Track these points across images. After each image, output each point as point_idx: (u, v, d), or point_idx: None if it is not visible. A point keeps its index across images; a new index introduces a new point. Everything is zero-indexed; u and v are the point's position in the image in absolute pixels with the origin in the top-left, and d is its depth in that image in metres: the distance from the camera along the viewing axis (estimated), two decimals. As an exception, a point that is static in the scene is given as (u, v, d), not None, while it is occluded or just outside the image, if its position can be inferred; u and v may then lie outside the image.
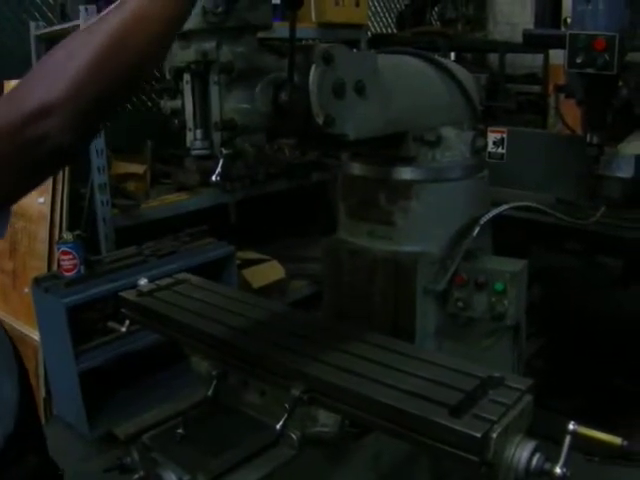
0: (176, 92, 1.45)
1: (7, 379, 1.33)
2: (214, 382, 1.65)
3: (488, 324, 1.86)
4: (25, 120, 1.01)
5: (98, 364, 3.12)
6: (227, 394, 1.67)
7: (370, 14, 5.98)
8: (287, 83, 1.43)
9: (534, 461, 1.20)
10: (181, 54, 1.39)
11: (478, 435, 1.16)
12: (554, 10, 2.61)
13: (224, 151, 1.39)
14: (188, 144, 1.43)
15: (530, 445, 1.22)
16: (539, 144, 3.19)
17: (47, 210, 3.39)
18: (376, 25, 6.54)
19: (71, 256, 3.07)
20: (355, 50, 1.80)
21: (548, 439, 1.28)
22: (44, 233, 3.41)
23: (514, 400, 1.28)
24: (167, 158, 4.22)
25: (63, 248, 3.07)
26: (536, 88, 6.51)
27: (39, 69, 1.09)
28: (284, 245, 4.76)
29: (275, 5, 1.51)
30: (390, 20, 6.66)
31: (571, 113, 3.11)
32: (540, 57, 6.28)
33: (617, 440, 1.22)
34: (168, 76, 1.44)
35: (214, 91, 1.38)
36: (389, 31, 6.58)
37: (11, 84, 3.22)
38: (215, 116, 1.39)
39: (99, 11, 3.01)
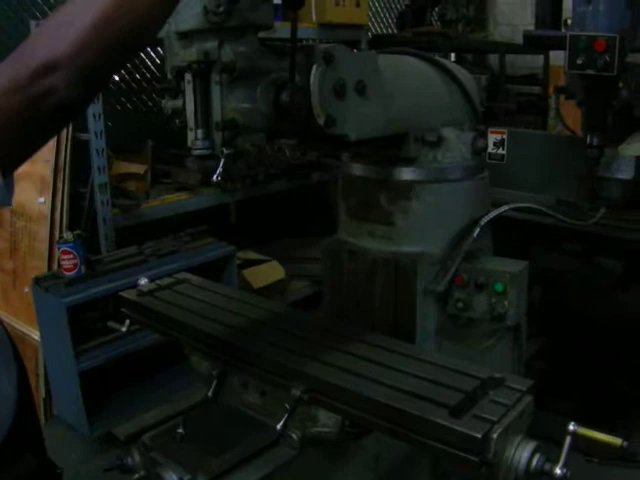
0: (177, 92, 1.45)
1: (6, 378, 1.33)
2: (214, 382, 1.65)
3: (488, 325, 1.86)
4: (32, 75, 1.03)
5: (98, 364, 3.12)
6: (227, 394, 1.67)
7: (370, 14, 5.98)
8: (288, 83, 1.43)
9: (534, 462, 1.20)
10: (183, 54, 1.39)
11: (478, 435, 1.16)
12: (555, 11, 2.61)
13: (225, 151, 1.39)
14: (189, 144, 1.43)
15: (530, 446, 1.22)
16: (539, 145, 3.20)
17: (47, 210, 3.39)
18: (376, 25, 6.54)
19: (71, 256, 3.07)
20: (355, 50, 1.81)
21: (548, 440, 1.28)
22: (44, 233, 3.41)
23: (514, 401, 1.28)
24: (167, 158, 4.21)
25: (63, 248, 3.07)
26: (536, 89, 6.51)
27: (46, 26, 1.10)
28: (284, 245, 4.76)
29: (276, 5, 1.51)
30: (390, 20, 6.66)
31: (571, 114, 3.11)
32: (540, 58, 6.28)
33: (617, 441, 1.23)
34: (169, 76, 1.44)
35: (215, 91, 1.38)
36: (389, 31, 6.58)
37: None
38: (216, 116, 1.39)
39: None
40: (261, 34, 1.47)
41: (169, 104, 1.49)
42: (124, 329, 1.92)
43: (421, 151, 1.86)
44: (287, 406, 1.40)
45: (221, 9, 1.32)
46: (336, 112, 1.52)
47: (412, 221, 1.86)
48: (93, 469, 2.94)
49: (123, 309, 1.94)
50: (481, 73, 5.81)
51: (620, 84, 2.58)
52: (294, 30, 1.42)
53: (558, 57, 3.47)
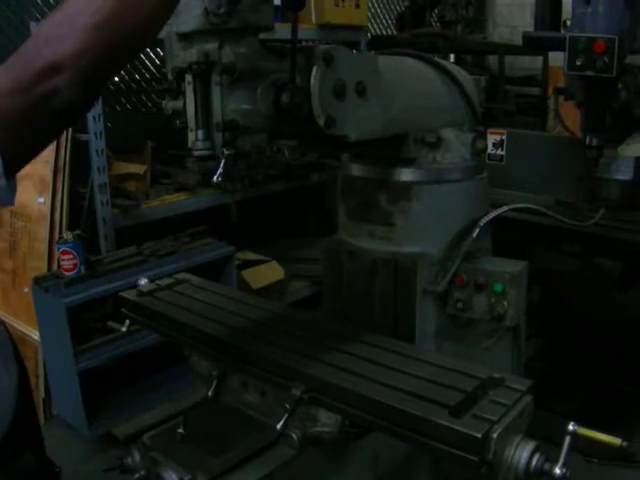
0: (178, 93, 1.46)
1: (6, 377, 1.34)
2: (214, 382, 1.65)
3: (488, 325, 1.87)
4: (36, 76, 1.03)
5: (98, 364, 3.12)
6: (227, 394, 1.67)
7: (370, 15, 5.99)
8: (288, 84, 1.44)
9: (534, 461, 1.21)
10: (183, 55, 1.39)
11: (478, 435, 1.16)
12: (554, 12, 2.61)
13: (226, 152, 1.39)
14: (190, 145, 1.43)
15: (530, 445, 1.22)
16: (538, 146, 3.20)
17: (47, 210, 3.39)
18: (376, 27, 6.54)
19: (71, 256, 3.07)
20: (355, 51, 1.81)
21: (547, 440, 1.28)
22: (44, 233, 3.41)
23: (514, 401, 1.28)
24: (167, 158, 4.22)
25: (63, 248, 3.07)
26: (535, 90, 6.52)
27: (48, 26, 1.10)
28: (283, 246, 4.77)
29: (275, 7, 1.51)
30: (390, 22, 6.66)
31: (570, 115, 3.12)
32: (539, 59, 6.29)
33: (617, 441, 1.23)
34: (170, 77, 1.44)
35: (216, 92, 1.39)
36: (389, 33, 6.59)
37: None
38: (217, 117, 1.39)
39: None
40: (261, 35, 1.48)
41: (170, 105, 1.49)
42: (124, 329, 1.93)
43: (421, 152, 1.87)
44: (287, 406, 1.40)
45: (222, 10, 1.32)
46: (336, 113, 1.52)
47: (412, 222, 1.86)
48: (93, 469, 2.94)
49: (123, 309, 1.94)
50: (480, 74, 5.80)
51: (619, 85, 2.59)
52: (294, 31, 1.42)
53: (557, 58, 3.48)
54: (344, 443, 1.57)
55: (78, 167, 3.45)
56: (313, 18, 4.30)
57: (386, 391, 1.33)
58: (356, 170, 1.96)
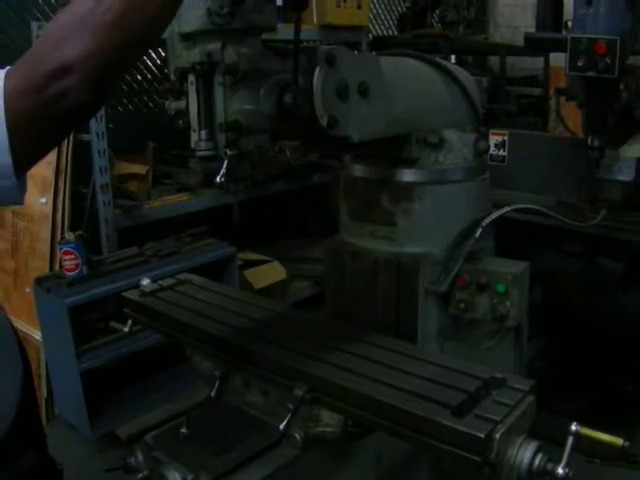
0: (181, 93, 1.46)
1: (11, 375, 1.34)
2: (217, 382, 1.65)
3: (490, 325, 1.87)
4: (47, 78, 1.04)
5: (100, 364, 3.12)
6: (230, 394, 1.68)
7: (371, 16, 5.98)
8: (291, 85, 1.44)
9: (536, 461, 1.21)
10: (186, 55, 1.39)
11: (481, 435, 1.17)
12: (555, 13, 2.61)
13: (228, 152, 1.40)
14: (193, 145, 1.43)
15: (532, 445, 1.22)
16: (540, 147, 3.20)
17: (49, 210, 3.39)
18: (377, 27, 6.55)
19: (73, 256, 3.07)
20: (356, 52, 1.81)
21: (550, 440, 1.28)
22: (46, 233, 3.41)
23: (517, 401, 1.28)
24: (170, 159, 4.22)
25: (65, 248, 3.07)
26: (537, 91, 6.52)
27: (58, 26, 1.11)
28: (285, 246, 4.77)
29: (278, 7, 1.52)
30: (391, 22, 6.67)
31: (572, 116, 3.12)
32: (540, 60, 6.29)
33: (619, 441, 1.23)
34: (173, 77, 1.44)
35: (219, 92, 1.39)
36: (390, 33, 6.59)
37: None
38: (219, 117, 1.40)
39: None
40: (263, 36, 1.48)
41: (172, 105, 1.49)
42: (126, 329, 1.93)
43: (423, 152, 1.87)
44: (290, 406, 1.41)
45: (224, 11, 1.33)
46: (338, 113, 1.53)
47: (414, 222, 1.86)
48: (95, 469, 2.94)
49: (125, 309, 1.94)
50: (482, 75, 5.81)
51: (621, 86, 2.59)
52: (297, 32, 1.42)
53: (558, 59, 3.48)
54: (347, 443, 1.57)
55: (80, 167, 3.45)
56: (315, 19, 4.30)
57: (389, 391, 1.34)
58: (358, 170, 1.96)
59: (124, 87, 4.48)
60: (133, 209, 3.54)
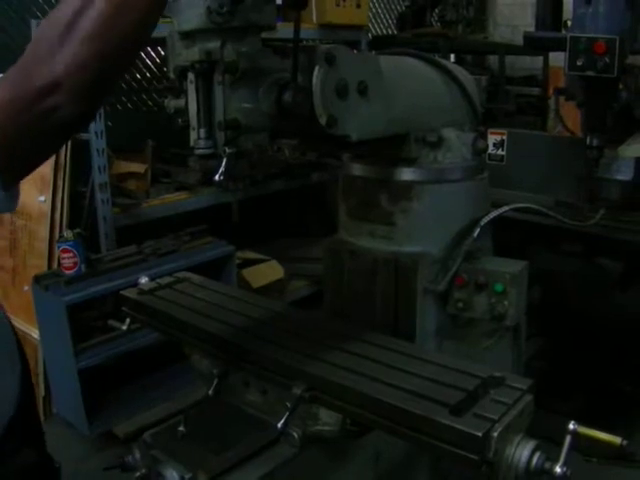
0: (180, 91, 1.46)
1: (9, 373, 1.34)
2: (215, 380, 1.65)
3: (488, 325, 1.87)
4: (35, 94, 1.04)
5: (98, 362, 3.12)
6: (228, 392, 1.68)
7: (371, 15, 5.99)
8: (290, 83, 1.44)
9: (534, 460, 1.21)
10: (185, 53, 1.39)
11: (479, 434, 1.17)
12: (555, 12, 2.61)
13: (227, 150, 1.40)
14: (192, 143, 1.43)
15: (530, 444, 1.22)
16: (539, 146, 3.20)
17: (48, 208, 3.39)
18: (377, 26, 6.55)
19: (71, 254, 3.07)
20: (356, 51, 1.81)
21: (548, 440, 1.29)
22: (44, 231, 3.41)
23: (515, 400, 1.28)
24: (169, 157, 4.22)
25: (63, 246, 3.07)
26: (536, 90, 6.52)
27: (42, 41, 1.09)
28: (283, 245, 4.77)
29: (278, 6, 1.51)
30: (390, 21, 6.67)
31: (571, 115, 3.12)
32: (540, 59, 6.29)
33: (617, 440, 1.23)
34: (172, 75, 1.44)
35: (218, 91, 1.39)
36: (389, 32, 6.59)
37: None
38: (219, 115, 1.39)
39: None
40: (262, 35, 1.48)
41: (172, 103, 1.49)
42: (124, 327, 1.93)
43: (422, 151, 1.87)
44: (288, 404, 1.40)
45: (224, 9, 1.32)
46: (338, 112, 1.53)
47: (412, 221, 1.86)
48: (92, 467, 2.94)
49: (124, 307, 1.94)
50: (481, 74, 5.82)
51: (620, 86, 2.59)
52: (297, 31, 1.42)
53: (557, 58, 3.48)
54: (345, 442, 1.58)
55: (79, 166, 3.45)
56: (314, 18, 4.30)
57: (387, 390, 1.34)
58: (357, 170, 1.96)
59: (123, 85, 4.49)
60: (132, 207, 3.55)
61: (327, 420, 1.48)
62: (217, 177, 1.41)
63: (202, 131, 1.39)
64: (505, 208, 1.98)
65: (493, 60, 6.71)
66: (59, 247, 3.11)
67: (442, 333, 1.90)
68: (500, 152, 3.23)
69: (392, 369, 1.43)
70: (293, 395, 1.40)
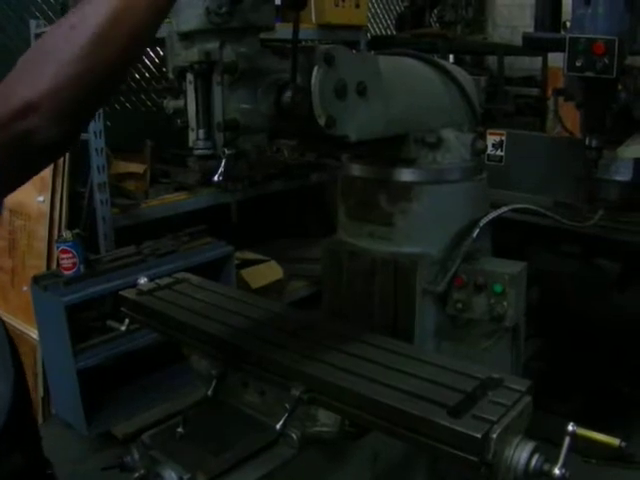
0: (179, 92, 1.46)
1: (2, 380, 1.33)
2: (214, 381, 1.65)
3: (487, 325, 1.87)
4: (11, 117, 1.02)
5: (97, 363, 3.12)
6: (227, 393, 1.68)
7: (370, 16, 5.99)
8: (289, 84, 1.44)
9: (533, 462, 1.21)
10: (184, 54, 1.39)
11: (478, 435, 1.17)
12: (554, 13, 2.61)
13: (226, 151, 1.39)
14: (191, 144, 1.43)
15: (529, 446, 1.22)
16: (538, 147, 3.20)
17: (46, 209, 3.39)
18: (375, 27, 6.55)
19: (70, 255, 3.07)
20: (355, 52, 1.81)
21: (546, 441, 1.29)
22: (43, 231, 3.41)
23: (513, 401, 1.28)
24: (168, 158, 4.22)
25: (62, 247, 3.07)
26: (535, 91, 6.52)
27: (23, 64, 1.08)
28: (282, 245, 4.77)
29: (277, 6, 1.51)
30: (389, 22, 6.67)
31: (570, 116, 3.12)
32: (539, 60, 6.29)
33: (615, 441, 1.23)
34: (171, 76, 1.44)
35: (217, 91, 1.38)
36: (388, 33, 6.59)
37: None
38: (218, 116, 1.39)
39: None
40: (261, 35, 1.48)
41: (171, 104, 1.49)
42: (123, 328, 1.93)
43: (421, 152, 1.87)
44: (287, 406, 1.40)
45: (223, 10, 1.32)
46: (337, 113, 1.53)
47: (412, 222, 1.86)
48: (91, 468, 2.94)
49: (122, 308, 1.94)
50: (480, 75, 5.82)
51: (619, 86, 2.59)
52: (296, 31, 1.42)
53: (556, 59, 3.49)
54: (343, 443, 1.57)
55: (78, 166, 3.45)
56: (313, 18, 4.30)
57: (385, 391, 1.34)
58: (356, 170, 1.96)
59: (122, 85, 4.48)
60: (131, 208, 3.54)
61: (326, 421, 1.48)
62: (216, 178, 1.41)
63: (201, 132, 1.39)
64: (504, 209, 1.98)
65: (492, 61, 6.71)
66: (58, 247, 3.11)
67: (441, 334, 1.90)
68: (499, 153, 3.23)
69: (391, 370, 1.43)
70: (292, 396, 1.40)
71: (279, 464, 1.49)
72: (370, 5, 5.92)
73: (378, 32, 6.56)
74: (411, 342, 1.82)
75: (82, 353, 3.08)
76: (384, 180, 1.89)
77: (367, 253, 1.90)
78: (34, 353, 3.39)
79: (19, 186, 1.13)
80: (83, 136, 3.30)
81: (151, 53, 4.59)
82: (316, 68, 1.48)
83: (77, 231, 3.16)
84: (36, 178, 3.28)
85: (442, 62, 2.02)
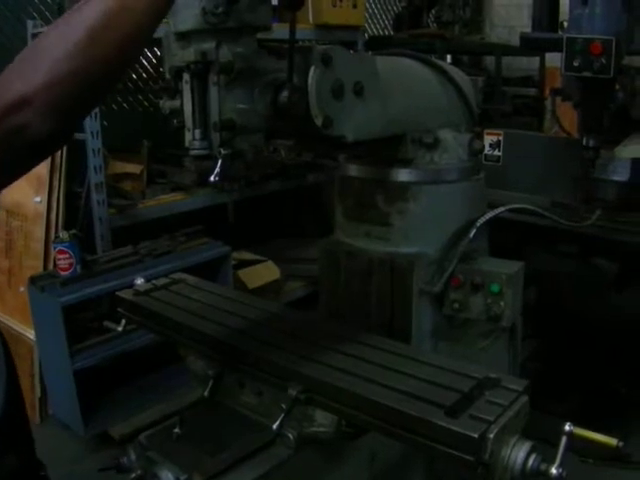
0: (175, 92, 1.45)
1: None
2: (210, 382, 1.65)
3: (484, 325, 1.87)
4: (5, 110, 1.01)
5: (93, 363, 3.12)
6: (224, 394, 1.67)
7: (367, 16, 5.99)
8: (286, 84, 1.43)
9: (530, 462, 1.21)
10: (181, 54, 1.39)
11: (475, 435, 1.16)
12: (551, 13, 2.62)
13: (223, 151, 1.39)
14: (187, 144, 1.43)
15: (526, 446, 1.22)
16: (535, 147, 3.21)
17: (43, 209, 3.39)
18: (373, 27, 6.55)
19: (67, 255, 3.07)
20: (352, 52, 1.81)
21: (543, 441, 1.28)
22: (40, 232, 3.41)
23: (510, 401, 1.28)
24: (164, 158, 4.21)
25: (59, 247, 3.07)
26: (532, 91, 6.52)
27: (19, 60, 1.08)
28: (279, 246, 4.76)
29: (273, 6, 1.51)
30: (387, 22, 6.67)
31: (567, 116, 3.12)
32: (536, 60, 6.29)
33: (613, 441, 1.23)
34: (168, 76, 1.44)
35: (213, 91, 1.38)
36: (386, 33, 6.59)
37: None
38: (214, 116, 1.39)
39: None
40: (258, 35, 1.47)
41: (167, 104, 1.49)
42: (120, 329, 1.92)
43: (418, 152, 1.87)
44: (283, 406, 1.41)
45: (219, 10, 1.32)
46: (334, 113, 1.52)
47: (409, 222, 1.86)
48: (88, 469, 2.94)
49: (119, 309, 1.93)
50: (477, 75, 5.81)
51: (616, 86, 2.59)
52: (293, 31, 1.42)
53: (554, 59, 3.49)
54: (340, 443, 1.57)
55: (74, 166, 3.45)
56: (310, 18, 4.29)
57: (382, 391, 1.33)
58: (353, 170, 1.96)
59: (119, 85, 4.47)
60: (127, 208, 3.54)
61: (322, 422, 1.48)
62: (212, 178, 1.41)
63: (197, 132, 1.39)
64: (501, 209, 1.98)
65: (489, 61, 6.71)
66: (55, 248, 3.11)
67: (438, 334, 1.90)
68: (496, 153, 3.24)
69: (388, 370, 1.42)
70: (288, 396, 1.40)
71: (276, 464, 1.48)
72: (367, 5, 5.93)
73: (375, 32, 6.55)
74: (408, 342, 1.82)
75: (79, 354, 3.08)
76: (381, 180, 1.89)
77: (364, 253, 1.90)
78: (31, 354, 3.39)
79: (8, 184, 1.13)
80: (80, 136, 3.29)
81: (148, 53, 4.58)
82: (313, 68, 1.48)
83: (74, 231, 3.16)
84: (33, 179, 3.29)
85: (439, 62, 2.02)
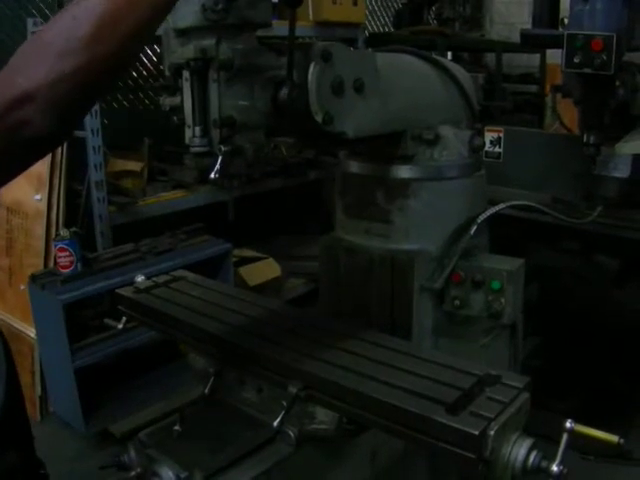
0: (175, 89, 1.45)
1: None
2: (211, 379, 1.65)
3: (485, 322, 1.86)
4: (7, 106, 1.01)
5: (94, 361, 3.12)
6: (224, 391, 1.67)
7: (367, 13, 5.98)
8: (286, 81, 1.43)
9: (531, 459, 1.20)
10: (181, 51, 1.38)
11: (476, 432, 1.16)
12: (552, 10, 2.61)
13: (223, 148, 1.39)
14: (187, 141, 1.43)
15: (527, 443, 1.22)
16: (536, 143, 3.21)
17: (44, 207, 3.39)
18: (373, 24, 6.54)
19: (68, 253, 3.07)
20: (352, 49, 1.81)
21: (544, 438, 1.28)
22: (41, 230, 3.41)
23: (511, 398, 1.28)
24: (164, 155, 4.21)
25: (60, 245, 3.07)
26: (533, 88, 6.52)
27: (22, 54, 1.08)
28: (280, 243, 4.77)
29: (273, 3, 1.51)
30: (387, 19, 6.67)
31: (568, 113, 3.12)
32: (537, 57, 6.29)
33: (614, 438, 1.23)
34: (168, 73, 1.44)
35: (213, 88, 1.38)
36: (386, 30, 6.59)
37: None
38: (214, 113, 1.39)
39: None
40: (258, 32, 1.47)
41: (167, 101, 1.48)
42: (120, 326, 1.92)
43: (418, 149, 1.86)
44: (284, 403, 1.40)
45: (219, 7, 1.32)
46: (334, 110, 1.52)
47: (409, 219, 1.86)
48: (88, 466, 2.94)
49: (119, 306, 1.93)
50: (478, 72, 5.81)
51: (617, 83, 2.59)
52: (292, 28, 1.42)
53: (555, 55, 3.48)
54: (341, 440, 1.57)
55: (75, 164, 3.45)
56: (310, 15, 4.28)
57: (383, 388, 1.33)
58: (354, 167, 1.95)
59: (119, 83, 4.47)
60: (128, 206, 3.54)
61: (323, 419, 1.48)
62: (213, 175, 1.41)
63: (197, 129, 1.39)
64: (502, 205, 1.97)
65: (490, 58, 6.70)
66: (55, 246, 3.11)
67: (438, 331, 1.90)
68: (497, 149, 3.23)
69: (388, 367, 1.42)
70: (289, 394, 1.40)
71: (276, 462, 1.48)
72: (368, 2, 5.92)
73: (376, 29, 6.55)
74: (409, 339, 1.81)
75: (80, 351, 3.08)
76: (382, 177, 1.88)
77: (365, 250, 1.90)
78: (32, 351, 3.39)
79: (7, 182, 1.12)
80: (80, 134, 3.29)
81: (148, 51, 4.58)
82: (313, 65, 1.47)
83: (74, 229, 3.16)
84: (33, 176, 3.28)
85: (440, 59, 2.01)
